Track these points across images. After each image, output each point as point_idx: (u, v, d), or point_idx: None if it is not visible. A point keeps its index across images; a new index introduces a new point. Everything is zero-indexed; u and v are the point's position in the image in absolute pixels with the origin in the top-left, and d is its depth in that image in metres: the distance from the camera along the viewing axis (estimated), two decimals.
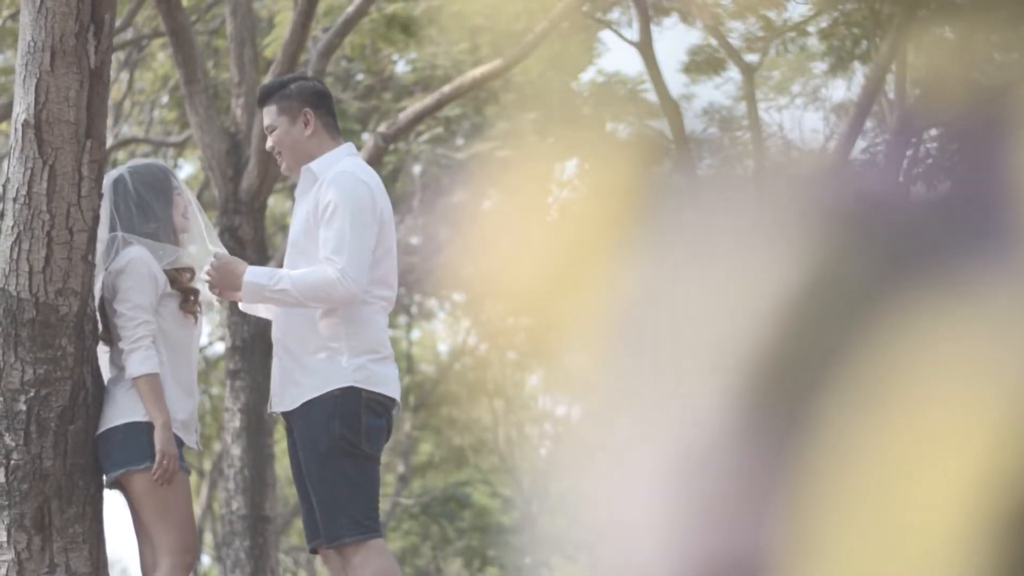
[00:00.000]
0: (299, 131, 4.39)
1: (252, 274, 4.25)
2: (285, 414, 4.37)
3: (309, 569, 26.13)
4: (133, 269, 4.31)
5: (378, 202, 4.28)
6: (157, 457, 4.22)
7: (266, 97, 4.45)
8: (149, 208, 4.43)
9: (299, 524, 25.29)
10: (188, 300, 4.42)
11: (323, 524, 4.23)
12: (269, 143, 4.46)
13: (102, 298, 4.39)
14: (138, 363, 4.25)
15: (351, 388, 4.20)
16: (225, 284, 4.28)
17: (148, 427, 4.24)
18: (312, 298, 4.20)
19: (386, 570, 4.21)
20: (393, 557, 4.31)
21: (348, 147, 4.46)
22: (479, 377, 22.39)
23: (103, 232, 4.36)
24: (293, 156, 4.42)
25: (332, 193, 4.23)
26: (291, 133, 4.41)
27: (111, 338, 4.38)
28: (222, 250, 4.56)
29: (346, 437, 4.20)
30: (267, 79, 9.17)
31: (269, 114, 4.44)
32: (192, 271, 4.54)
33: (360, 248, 4.18)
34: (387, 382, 4.30)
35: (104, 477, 4.32)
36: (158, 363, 4.29)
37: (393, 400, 4.32)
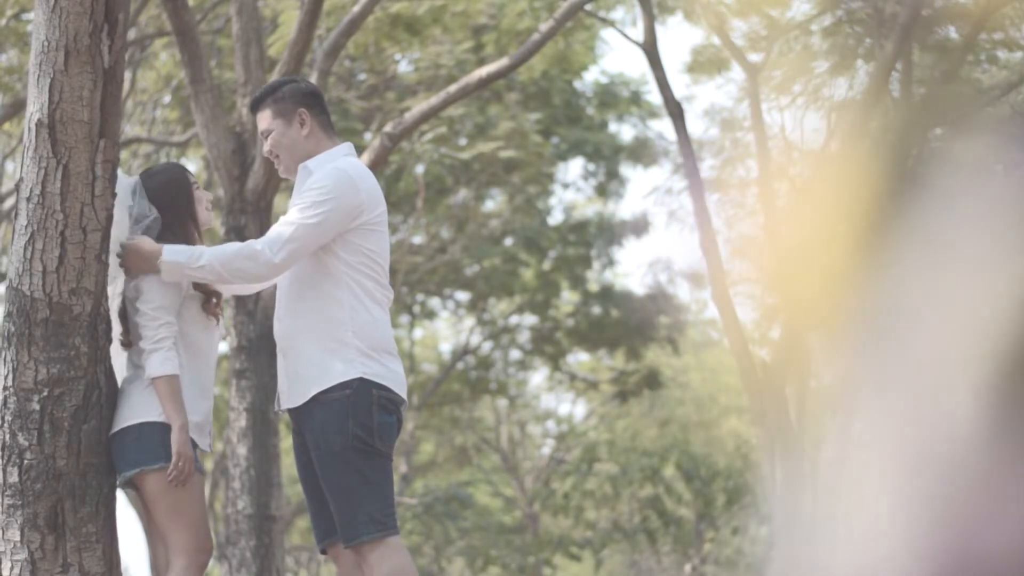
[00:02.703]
0: (296, 132, 4.41)
1: (171, 253, 4.27)
2: (292, 413, 4.37)
3: (311, 569, 26.09)
4: None
5: (367, 208, 4.29)
6: (173, 459, 4.22)
7: (259, 102, 4.47)
8: (173, 208, 4.45)
9: (301, 524, 25.27)
10: (210, 302, 4.42)
11: (341, 524, 4.23)
12: (266, 148, 4.47)
13: (123, 299, 4.39)
14: (159, 364, 4.25)
15: (361, 381, 4.21)
16: (142, 267, 4.28)
17: (162, 427, 4.24)
18: (233, 270, 4.24)
19: (403, 567, 4.21)
20: (409, 554, 4.30)
21: (347, 147, 4.47)
22: (481, 376, 22.37)
23: (123, 236, 4.36)
24: (292, 157, 4.43)
25: (317, 181, 4.27)
26: (288, 135, 4.42)
27: (130, 339, 4.38)
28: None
29: (360, 436, 4.20)
30: (273, 78, 9.17)
31: (264, 119, 4.46)
32: None
33: (307, 236, 4.21)
34: (396, 379, 4.32)
35: (117, 476, 4.32)
36: (178, 365, 4.29)
37: (402, 398, 4.33)
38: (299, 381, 4.30)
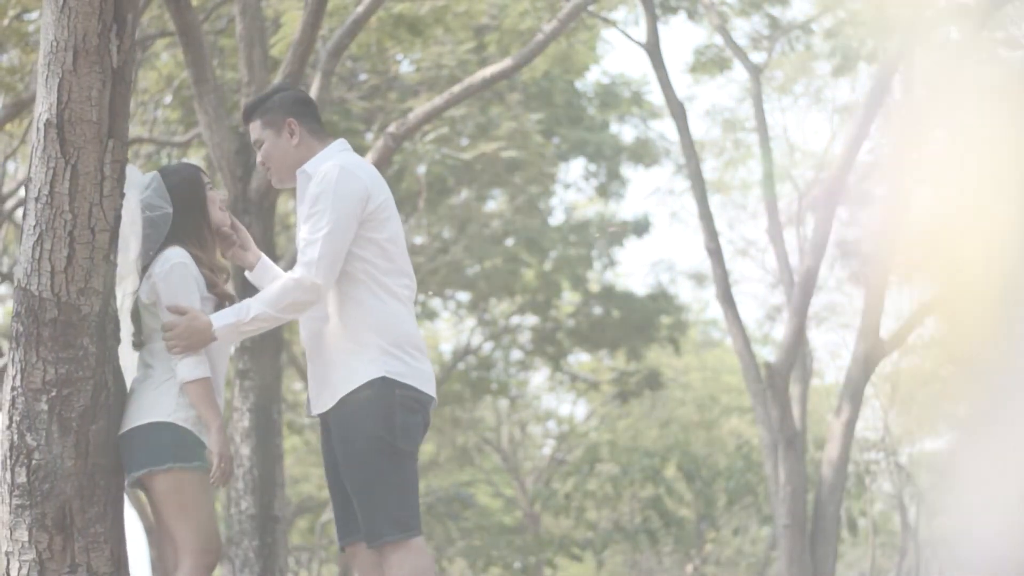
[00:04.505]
0: (286, 141, 4.42)
1: (220, 319, 4.27)
2: (321, 414, 4.38)
3: (311, 569, 26.10)
4: (180, 272, 4.30)
5: (373, 195, 4.30)
6: (215, 460, 4.22)
7: (250, 113, 4.49)
8: (187, 208, 4.44)
9: (301, 524, 25.27)
10: (223, 304, 4.42)
11: (364, 524, 4.23)
12: (259, 158, 4.48)
13: (137, 300, 4.37)
14: (190, 368, 4.25)
15: (383, 380, 4.21)
16: (196, 344, 4.26)
17: (171, 428, 4.24)
18: (286, 308, 4.24)
19: (423, 569, 4.21)
20: (431, 557, 4.30)
21: (340, 143, 4.47)
22: (482, 376, 22.37)
23: (137, 233, 4.35)
24: (284, 166, 4.44)
25: (315, 187, 4.27)
26: (278, 145, 4.44)
27: (142, 339, 4.37)
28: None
29: (382, 436, 4.20)
30: (277, 79, 9.17)
31: (255, 129, 4.47)
32: (228, 273, 4.54)
33: (331, 243, 4.21)
34: (420, 377, 4.30)
35: (126, 477, 4.31)
36: (209, 367, 4.29)
37: (429, 396, 4.32)
38: (326, 385, 4.30)
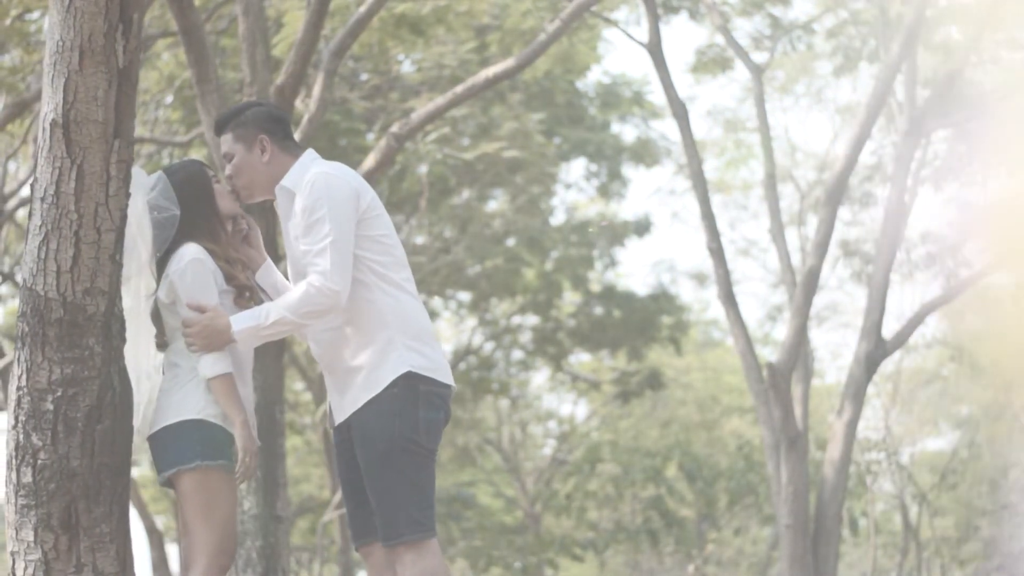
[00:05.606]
0: (256, 157, 4.43)
1: (240, 322, 4.26)
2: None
3: (312, 569, 26.10)
4: (195, 268, 4.30)
5: (361, 194, 4.31)
6: (240, 454, 4.23)
7: (222, 126, 4.49)
8: (195, 204, 4.43)
9: (302, 524, 25.27)
10: (243, 296, 4.42)
11: (382, 523, 4.23)
12: (228, 170, 4.47)
13: (156, 300, 4.37)
14: (212, 363, 4.25)
15: (408, 376, 4.22)
16: (214, 344, 4.27)
17: (200, 424, 4.24)
18: (306, 315, 4.24)
19: (435, 570, 4.21)
20: (443, 559, 4.29)
21: (310, 153, 4.48)
22: (483, 376, 22.38)
23: (147, 234, 4.35)
24: (252, 182, 4.44)
25: (306, 199, 4.27)
26: (248, 160, 4.44)
27: (165, 340, 4.38)
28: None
29: (405, 434, 4.21)
30: (279, 78, 9.17)
31: (226, 142, 4.48)
32: (244, 263, 4.54)
33: (339, 247, 4.22)
34: (439, 368, 4.31)
35: (158, 476, 4.33)
36: (231, 363, 4.29)
37: (448, 387, 4.33)
38: (350, 389, 4.30)
